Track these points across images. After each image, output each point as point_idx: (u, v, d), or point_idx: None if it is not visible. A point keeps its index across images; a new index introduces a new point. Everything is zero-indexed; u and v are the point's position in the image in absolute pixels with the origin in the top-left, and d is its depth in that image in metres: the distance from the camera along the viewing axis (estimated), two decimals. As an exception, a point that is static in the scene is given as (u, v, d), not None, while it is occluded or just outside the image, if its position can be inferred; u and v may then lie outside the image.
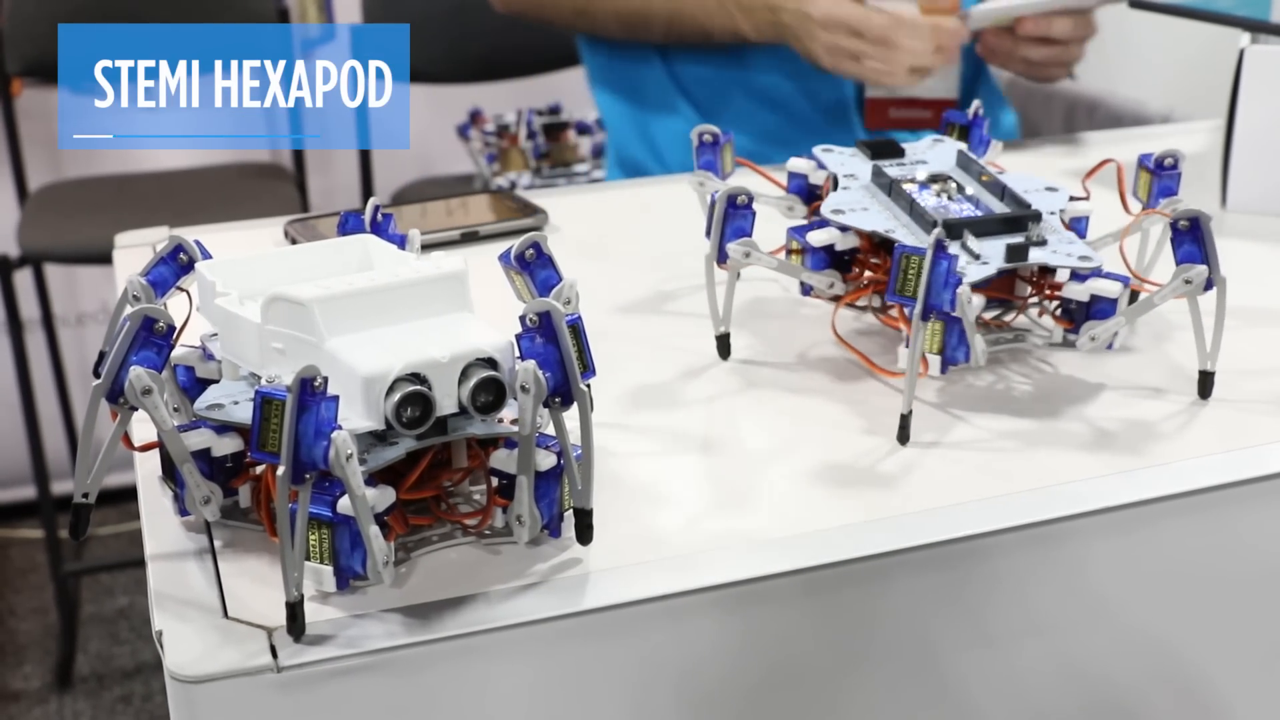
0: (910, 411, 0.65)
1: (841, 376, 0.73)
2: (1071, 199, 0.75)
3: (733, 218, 0.71)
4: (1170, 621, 0.65)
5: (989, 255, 0.68)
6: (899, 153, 0.79)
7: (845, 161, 0.78)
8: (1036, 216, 0.71)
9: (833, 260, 0.73)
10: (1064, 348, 0.73)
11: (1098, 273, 0.69)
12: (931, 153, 0.80)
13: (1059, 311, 0.72)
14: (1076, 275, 0.70)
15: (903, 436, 0.66)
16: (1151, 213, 0.74)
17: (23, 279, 2.09)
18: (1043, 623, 0.62)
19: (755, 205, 0.71)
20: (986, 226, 0.70)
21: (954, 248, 0.69)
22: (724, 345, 0.75)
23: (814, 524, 0.60)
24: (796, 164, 0.80)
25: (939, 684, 0.62)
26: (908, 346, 0.66)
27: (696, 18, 1.19)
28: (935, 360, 0.67)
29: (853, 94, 1.25)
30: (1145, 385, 0.72)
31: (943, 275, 0.63)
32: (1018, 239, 0.69)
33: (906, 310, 0.65)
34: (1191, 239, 0.66)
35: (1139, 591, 0.63)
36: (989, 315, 0.74)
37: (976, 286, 0.67)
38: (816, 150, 0.80)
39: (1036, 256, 0.69)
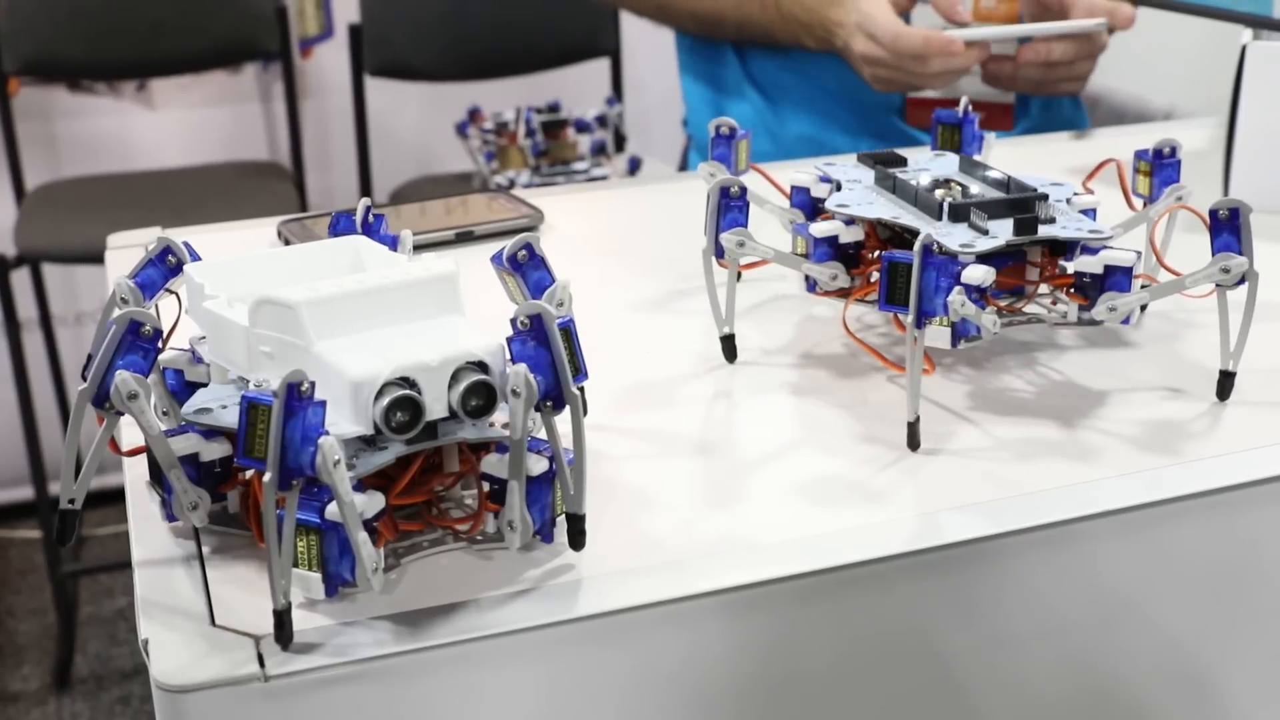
0: (917, 418, 0.65)
1: (848, 378, 0.72)
2: (1076, 194, 0.74)
3: (727, 210, 0.70)
4: (1185, 624, 0.64)
5: (998, 234, 0.68)
6: (901, 162, 0.79)
7: (849, 171, 0.78)
8: (1043, 197, 0.70)
9: (837, 254, 0.72)
10: (1080, 325, 0.72)
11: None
12: (934, 163, 0.79)
13: (1071, 289, 0.71)
14: (1088, 250, 0.69)
15: (912, 443, 0.65)
16: (1181, 206, 0.73)
17: (20, 279, 2.08)
18: (1053, 627, 0.61)
19: (759, 215, 0.70)
20: (993, 208, 0.69)
21: (961, 229, 0.68)
22: (729, 347, 0.74)
23: (814, 528, 0.59)
24: (799, 178, 0.79)
25: (946, 690, 0.61)
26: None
27: (763, 26, 1.31)
28: (946, 334, 0.65)
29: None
30: (1154, 386, 0.71)
31: (933, 282, 0.63)
32: (1026, 215, 0.68)
33: (901, 318, 0.64)
34: (1230, 229, 0.65)
35: (1153, 594, 0.63)
36: (1001, 303, 0.73)
37: (983, 260, 0.66)
38: (818, 163, 0.80)
39: (1046, 231, 0.68)
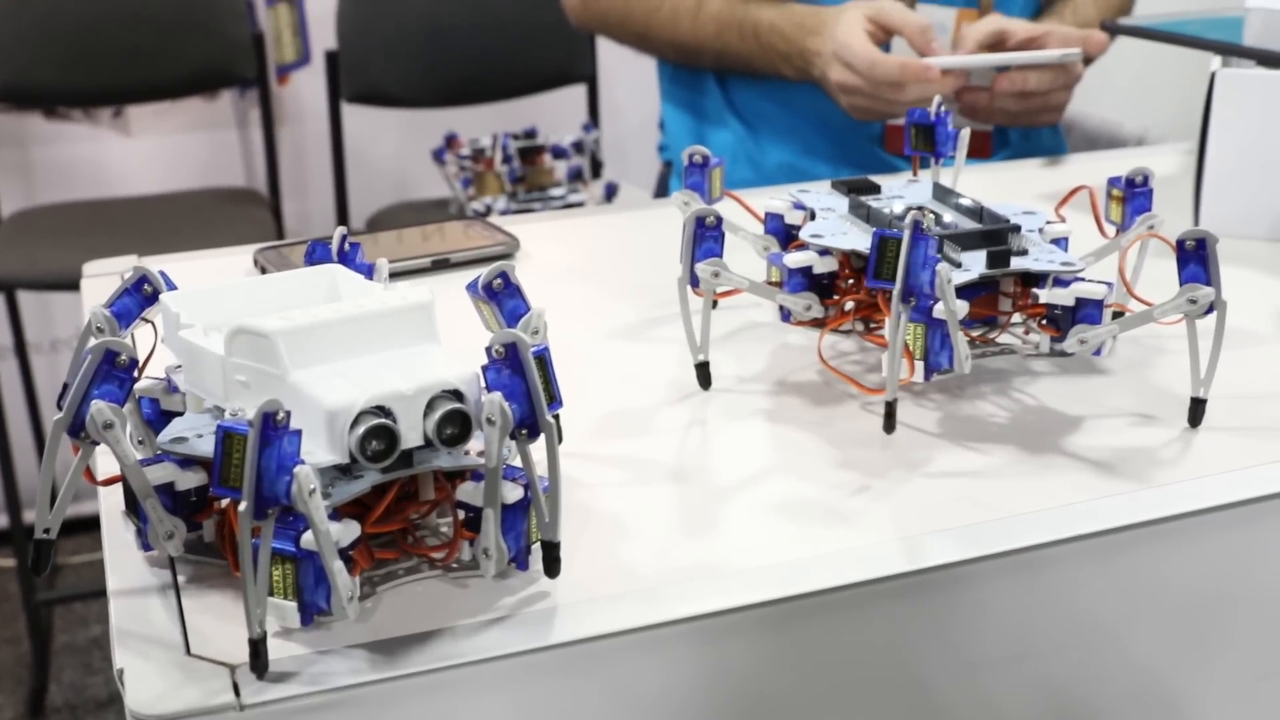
0: (895, 400, 0.65)
1: (822, 405, 0.73)
2: (1049, 222, 0.75)
3: (702, 239, 0.71)
4: (1158, 646, 0.64)
5: (971, 265, 0.68)
6: (875, 189, 0.79)
7: (823, 198, 0.79)
8: (1015, 228, 0.71)
9: (811, 284, 0.73)
10: (1052, 356, 0.73)
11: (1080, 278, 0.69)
12: (908, 190, 0.80)
13: (1043, 320, 0.72)
14: (1059, 282, 0.69)
15: (888, 425, 0.65)
16: (1152, 235, 0.74)
17: (-5, 305, 2.08)
18: (1027, 650, 0.62)
19: (733, 241, 0.71)
20: (967, 240, 0.70)
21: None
22: (703, 374, 0.74)
23: (788, 554, 0.59)
24: (773, 205, 0.80)
25: (921, 714, 0.61)
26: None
27: (742, 55, 1.32)
28: (920, 368, 0.66)
29: None
30: (1126, 412, 0.71)
31: (921, 256, 0.63)
32: (999, 248, 0.69)
33: (887, 293, 0.64)
34: (1197, 259, 0.66)
35: (1126, 617, 0.63)
36: (974, 333, 0.74)
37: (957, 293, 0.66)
38: (793, 189, 0.80)
39: (1019, 263, 0.68)
